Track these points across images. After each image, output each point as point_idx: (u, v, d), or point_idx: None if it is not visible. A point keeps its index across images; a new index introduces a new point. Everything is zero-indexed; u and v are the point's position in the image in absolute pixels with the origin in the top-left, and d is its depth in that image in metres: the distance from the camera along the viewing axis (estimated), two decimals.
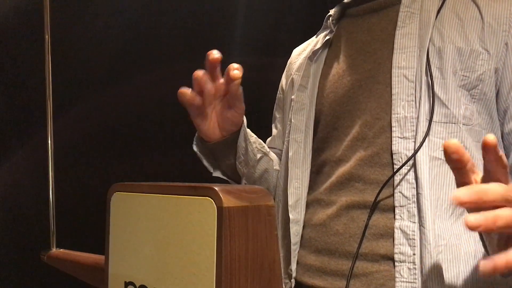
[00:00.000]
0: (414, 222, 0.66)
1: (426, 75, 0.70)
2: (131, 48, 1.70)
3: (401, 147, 0.69)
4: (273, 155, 0.91)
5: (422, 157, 0.67)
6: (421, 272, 0.65)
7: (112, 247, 0.53)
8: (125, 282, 0.51)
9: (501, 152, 0.46)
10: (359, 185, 0.73)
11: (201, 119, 0.72)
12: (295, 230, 0.79)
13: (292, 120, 0.84)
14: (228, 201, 0.41)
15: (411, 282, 0.65)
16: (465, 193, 0.43)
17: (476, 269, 0.66)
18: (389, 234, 0.68)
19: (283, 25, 1.89)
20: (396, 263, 0.67)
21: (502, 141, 0.72)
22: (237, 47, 1.81)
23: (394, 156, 0.70)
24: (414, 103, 0.70)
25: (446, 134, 0.69)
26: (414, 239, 0.66)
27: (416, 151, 0.67)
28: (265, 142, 0.97)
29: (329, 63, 0.84)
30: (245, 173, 0.83)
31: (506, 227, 0.43)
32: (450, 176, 0.68)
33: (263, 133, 0.99)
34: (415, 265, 0.65)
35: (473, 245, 0.67)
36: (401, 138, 0.70)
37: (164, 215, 0.46)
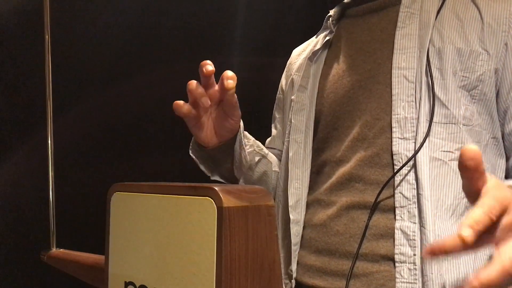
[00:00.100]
0: (415, 223, 0.66)
1: (426, 76, 0.70)
2: (131, 48, 1.70)
3: (401, 147, 0.69)
4: (272, 157, 0.91)
5: (422, 158, 0.67)
6: (422, 272, 0.65)
7: (112, 247, 0.53)
8: (125, 282, 0.51)
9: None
10: (359, 186, 0.73)
11: (197, 127, 0.72)
12: (296, 231, 0.79)
13: (292, 121, 0.84)
14: (228, 201, 0.41)
15: (411, 283, 0.65)
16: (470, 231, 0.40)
17: (477, 269, 0.66)
18: (390, 235, 0.68)
19: (283, 25, 1.89)
20: (397, 264, 0.67)
21: (503, 141, 0.72)
22: (237, 47, 1.81)
23: (394, 157, 0.70)
24: (414, 103, 0.70)
25: (446, 135, 0.69)
26: (414, 240, 0.66)
27: (416, 152, 0.67)
28: (264, 143, 0.97)
29: (329, 63, 0.84)
30: (242, 177, 0.83)
31: None
32: (451, 177, 0.68)
33: (263, 133, 0.99)
34: (416, 265, 0.65)
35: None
36: (401, 138, 0.70)
37: (164, 215, 0.46)
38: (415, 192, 0.67)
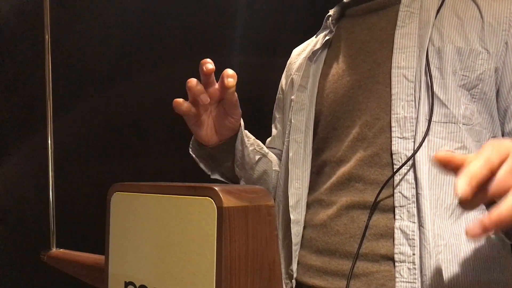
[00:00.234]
0: (414, 222, 0.66)
1: (426, 75, 0.70)
2: (131, 48, 1.70)
3: (401, 147, 0.69)
4: (272, 156, 0.91)
5: (421, 157, 0.67)
6: (421, 272, 0.65)
7: (112, 247, 0.53)
8: (125, 282, 0.51)
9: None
10: (359, 186, 0.73)
11: (197, 126, 0.72)
12: (296, 231, 0.79)
13: (292, 121, 0.84)
14: (228, 201, 0.41)
15: (411, 282, 0.65)
16: (463, 183, 0.42)
17: (476, 269, 0.66)
18: (389, 234, 0.68)
19: (283, 25, 1.89)
20: (396, 263, 0.67)
21: None
22: (237, 47, 1.81)
23: (393, 156, 0.70)
24: (413, 103, 0.70)
25: (446, 134, 0.69)
26: (414, 239, 0.66)
27: (415, 151, 0.67)
28: (264, 143, 0.97)
29: (328, 63, 0.84)
30: (242, 176, 0.83)
31: None
32: (450, 176, 0.68)
33: (263, 133, 0.99)
34: (415, 265, 0.65)
35: (473, 245, 0.66)
36: (400, 138, 0.70)
37: (164, 215, 0.46)
38: (414, 191, 0.67)
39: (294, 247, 0.79)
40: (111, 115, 1.69)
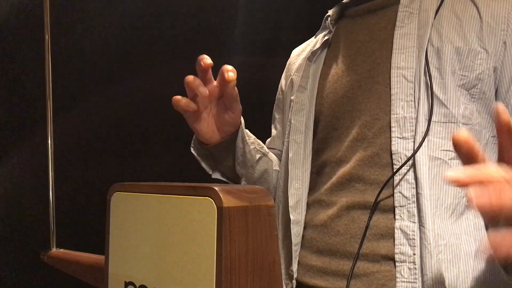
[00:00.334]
0: (414, 222, 0.66)
1: (425, 75, 0.70)
2: (131, 48, 1.71)
3: (401, 147, 0.69)
4: (272, 156, 0.91)
5: (421, 157, 0.67)
6: (422, 272, 0.65)
7: (112, 247, 0.53)
8: (125, 282, 0.51)
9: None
10: (359, 186, 0.73)
11: (198, 123, 0.72)
12: (296, 231, 0.79)
13: (292, 121, 0.84)
14: (228, 201, 0.41)
15: (411, 282, 0.65)
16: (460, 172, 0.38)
17: (476, 269, 0.66)
18: (390, 234, 0.68)
19: (283, 25, 1.89)
20: (397, 263, 0.67)
21: None
22: (237, 47, 1.81)
23: (393, 156, 0.70)
24: (413, 103, 0.70)
25: (446, 134, 0.69)
26: (414, 239, 0.66)
27: (415, 151, 0.67)
28: (264, 143, 0.97)
29: (328, 63, 0.84)
30: (244, 174, 0.83)
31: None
32: None
33: (263, 133, 0.99)
34: (416, 265, 0.65)
35: (473, 245, 0.67)
36: (400, 138, 0.70)
37: (164, 215, 0.46)
38: (414, 191, 0.67)
39: (294, 248, 0.79)
40: (111, 115, 1.69)
